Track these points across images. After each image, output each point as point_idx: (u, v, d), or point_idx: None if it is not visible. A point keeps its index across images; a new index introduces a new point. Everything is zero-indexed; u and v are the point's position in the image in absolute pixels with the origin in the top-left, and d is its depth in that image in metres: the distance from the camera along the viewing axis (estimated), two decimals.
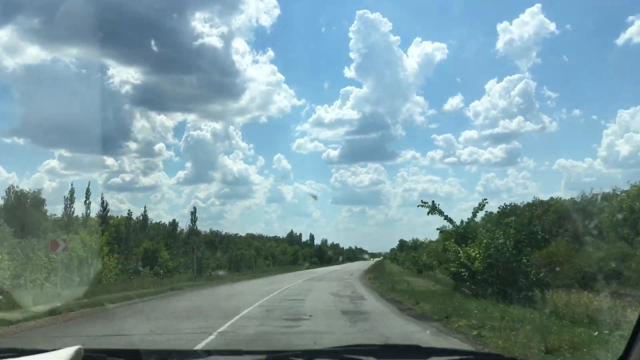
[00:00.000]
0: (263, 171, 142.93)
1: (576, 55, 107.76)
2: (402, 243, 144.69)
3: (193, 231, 55.49)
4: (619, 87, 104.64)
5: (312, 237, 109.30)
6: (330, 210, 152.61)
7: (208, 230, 73.70)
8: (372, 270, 47.79)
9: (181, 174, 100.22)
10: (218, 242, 67.46)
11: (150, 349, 2.35)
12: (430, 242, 56.75)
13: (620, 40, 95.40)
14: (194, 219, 58.74)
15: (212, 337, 10.21)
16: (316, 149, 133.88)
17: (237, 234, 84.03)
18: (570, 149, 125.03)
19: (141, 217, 46.19)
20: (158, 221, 55.66)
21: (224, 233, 77.16)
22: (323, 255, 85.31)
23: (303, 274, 40.59)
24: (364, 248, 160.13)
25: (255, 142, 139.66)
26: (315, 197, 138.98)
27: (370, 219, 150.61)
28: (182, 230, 55.40)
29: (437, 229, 27.48)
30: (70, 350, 1.71)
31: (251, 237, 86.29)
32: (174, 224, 52.99)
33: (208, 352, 2.38)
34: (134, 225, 45.21)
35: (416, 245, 77.87)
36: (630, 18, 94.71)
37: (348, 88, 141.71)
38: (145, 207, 50.62)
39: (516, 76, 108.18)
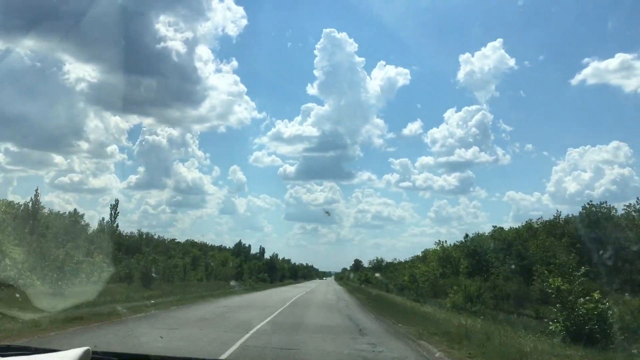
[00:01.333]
0: (218, 182, 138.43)
1: (532, 92, 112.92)
2: (357, 263, 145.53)
3: (110, 228, 43.03)
4: (570, 125, 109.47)
5: (262, 249, 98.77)
6: (283, 226, 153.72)
7: (135, 232, 60.85)
8: (373, 304, 30.40)
9: (133, 178, 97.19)
10: (145, 245, 55.09)
11: (161, 355, 2.32)
12: (414, 262, 47.42)
13: (575, 81, 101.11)
14: (114, 215, 46.33)
15: None
16: (273, 163, 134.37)
17: (174, 239, 71.51)
18: (520, 182, 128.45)
19: (30, 203, 32.89)
20: (61, 212, 42.03)
21: (156, 236, 64.32)
22: (274, 270, 72.81)
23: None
24: (315, 266, 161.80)
25: (211, 151, 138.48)
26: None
27: (322, 237, 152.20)
28: (88, 225, 42.90)
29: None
30: (78, 351, 1.70)
31: (191, 244, 74.22)
32: (75, 215, 39.72)
33: None
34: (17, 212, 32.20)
35: (394, 265, 69.58)
36: (585, 60, 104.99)
37: (309, 105, 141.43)
38: (37, 190, 39.15)
39: (474, 107, 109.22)
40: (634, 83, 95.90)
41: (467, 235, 44.33)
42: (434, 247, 48.22)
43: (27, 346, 2.26)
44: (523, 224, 43.21)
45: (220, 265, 61.21)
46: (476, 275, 39.92)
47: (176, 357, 2.47)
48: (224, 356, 9.46)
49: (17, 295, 16.62)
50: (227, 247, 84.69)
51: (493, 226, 44.52)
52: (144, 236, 60.17)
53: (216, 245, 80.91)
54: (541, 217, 41.57)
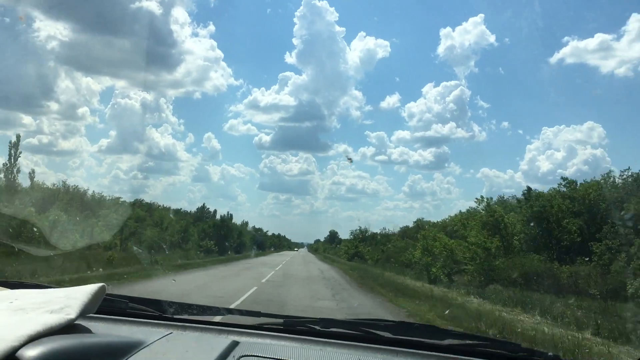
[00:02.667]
0: (191, 149, 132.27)
1: (511, 69, 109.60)
2: (332, 234, 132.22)
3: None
4: (546, 105, 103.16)
5: (230, 216, 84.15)
6: (256, 196, 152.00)
7: (50, 184, 43.74)
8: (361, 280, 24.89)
9: (104, 142, 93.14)
10: (66, 198, 38.45)
11: (171, 300, 2.24)
12: (427, 231, 32.17)
13: (554, 59, 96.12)
14: (13, 154, 31.85)
15: None
16: (248, 132, 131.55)
17: (101, 194, 53.46)
18: (495, 159, 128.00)
19: None
20: None
21: (74, 189, 46.87)
22: (228, 237, 53.76)
23: None
24: (287, 237, 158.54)
25: (186, 117, 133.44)
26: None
27: (296, 208, 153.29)
28: None
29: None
30: (94, 287, 1.69)
31: (137, 204, 57.28)
32: None
33: (228, 310, 2.31)
34: None
35: (385, 237, 54.47)
36: (565, 38, 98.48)
37: (287, 74, 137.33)
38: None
39: (453, 82, 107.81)
40: (611, 64, 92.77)
41: (529, 190, 28.97)
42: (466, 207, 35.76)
43: (40, 283, 2.21)
44: (588, 181, 28.16)
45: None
46: (543, 251, 25.15)
47: (187, 304, 2.12)
48: None
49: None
50: (189, 212, 70.73)
51: (562, 178, 29.24)
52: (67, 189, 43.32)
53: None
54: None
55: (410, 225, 57.39)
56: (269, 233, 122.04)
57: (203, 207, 74.50)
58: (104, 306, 1.85)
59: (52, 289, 1.84)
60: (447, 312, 12.69)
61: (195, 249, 39.50)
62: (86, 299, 1.63)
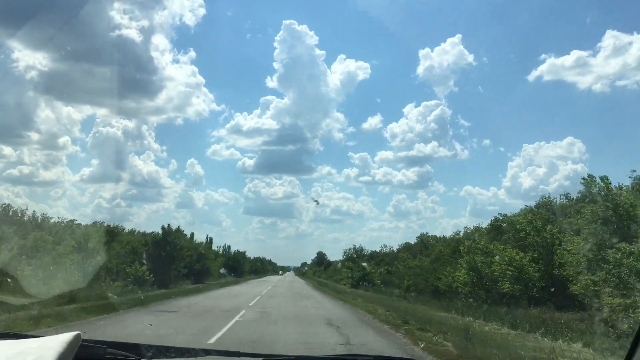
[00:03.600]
0: (175, 175, 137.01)
1: (490, 88, 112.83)
2: (320, 256, 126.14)
3: None
4: (526, 121, 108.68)
5: (209, 239, 74.04)
6: (241, 220, 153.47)
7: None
8: None
9: (86, 170, 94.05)
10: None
11: (149, 343, 2.28)
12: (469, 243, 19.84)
13: (531, 77, 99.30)
14: None
15: None
16: (232, 156, 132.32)
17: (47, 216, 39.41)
18: (477, 177, 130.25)
19: None
20: None
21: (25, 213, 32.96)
22: (174, 259, 36.47)
23: None
24: (273, 260, 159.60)
25: (168, 144, 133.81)
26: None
27: (281, 231, 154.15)
28: None
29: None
30: (69, 336, 1.66)
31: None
32: None
33: (206, 351, 2.35)
34: None
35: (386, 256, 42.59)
36: (542, 56, 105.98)
37: (269, 97, 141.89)
38: None
39: (433, 102, 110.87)
40: (588, 80, 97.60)
41: None
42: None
43: (15, 332, 2.30)
44: None
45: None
46: None
47: (165, 346, 2.23)
48: None
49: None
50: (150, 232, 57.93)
51: None
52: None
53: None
54: None
55: (412, 241, 50.28)
56: (253, 256, 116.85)
57: (168, 227, 61.33)
58: (82, 352, 1.75)
59: (26, 340, 1.83)
60: None
61: (120, 277, 26.36)
62: (61, 348, 1.60)
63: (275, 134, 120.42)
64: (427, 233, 51.07)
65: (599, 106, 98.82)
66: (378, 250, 58.44)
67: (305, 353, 9.51)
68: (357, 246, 62.01)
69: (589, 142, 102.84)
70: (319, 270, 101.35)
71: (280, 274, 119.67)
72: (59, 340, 1.60)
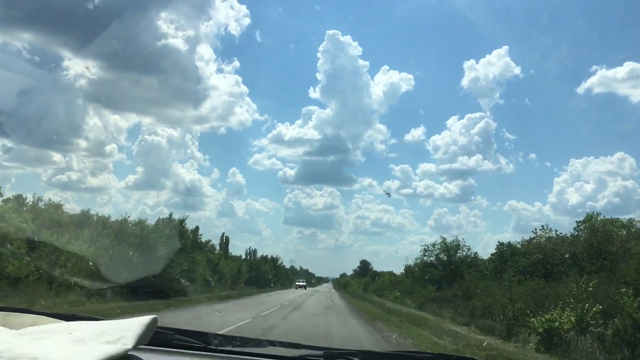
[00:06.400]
0: (217, 184, 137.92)
1: (537, 100, 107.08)
2: (364, 265, 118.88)
3: None
4: (574, 135, 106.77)
5: (226, 239, 66.54)
6: (281, 231, 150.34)
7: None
8: None
9: (131, 178, 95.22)
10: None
11: (216, 332, 2.43)
12: None
13: (581, 89, 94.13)
14: None
15: None
16: (273, 166, 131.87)
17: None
18: (522, 191, 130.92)
19: None
20: None
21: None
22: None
23: None
24: (311, 270, 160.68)
25: (211, 153, 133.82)
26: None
27: (320, 242, 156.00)
28: None
29: None
30: (147, 319, 1.77)
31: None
32: None
33: (270, 342, 2.42)
34: None
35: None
36: (593, 67, 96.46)
37: (311, 108, 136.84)
38: None
39: (478, 114, 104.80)
40: None
41: None
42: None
43: (93, 316, 2.35)
44: None
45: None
46: None
47: (231, 336, 2.41)
48: None
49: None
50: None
51: None
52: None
53: None
54: None
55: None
56: (286, 265, 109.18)
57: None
58: (152, 338, 1.86)
59: (105, 321, 1.94)
60: None
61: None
62: (140, 330, 1.70)
63: (316, 144, 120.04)
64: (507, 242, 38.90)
65: None
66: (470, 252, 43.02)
67: None
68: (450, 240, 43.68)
69: None
70: (363, 282, 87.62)
71: (300, 285, 79.02)
72: (138, 323, 1.71)
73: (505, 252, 35.45)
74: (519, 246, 35.48)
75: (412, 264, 49.86)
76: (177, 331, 2.18)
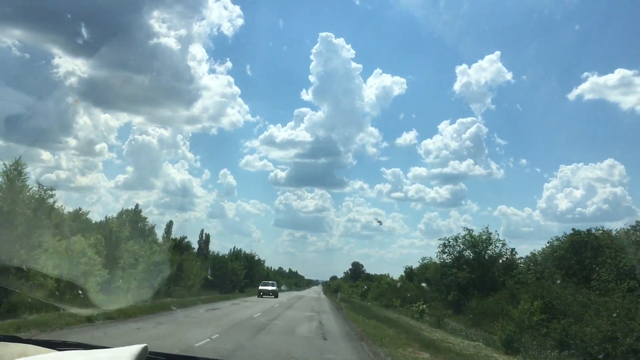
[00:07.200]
0: (207, 185, 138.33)
1: (528, 106, 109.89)
2: (355, 267, 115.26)
3: None
4: (564, 141, 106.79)
5: (206, 237, 62.54)
6: (271, 233, 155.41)
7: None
8: None
9: (121, 177, 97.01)
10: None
11: (209, 357, 2.42)
12: None
13: (572, 96, 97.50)
14: None
15: None
16: (264, 168, 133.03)
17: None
18: (512, 197, 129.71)
19: None
20: None
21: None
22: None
23: None
24: (300, 273, 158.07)
25: (202, 153, 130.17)
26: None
27: (311, 245, 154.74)
28: None
29: None
30: (137, 348, 1.73)
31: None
32: None
33: None
34: None
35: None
36: (584, 74, 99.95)
37: (303, 109, 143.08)
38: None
39: (469, 119, 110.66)
40: (632, 100, 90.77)
41: None
42: None
43: (82, 343, 2.36)
44: None
45: None
46: None
47: None
48: None
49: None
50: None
51: None
52: None
53: None
54: None
55: None
56: (280, 268, 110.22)
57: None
58: None
59: (95, 350, 1.94)
60: None
61: None
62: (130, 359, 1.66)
63: (308, 146, 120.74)
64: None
65: None
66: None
67: None
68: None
69: (630, 165, 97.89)
70: (359, 286, 77.89)
71: (268, 291, 48.94)
72: (128, 352, 1.66)
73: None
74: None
75: (434, 258, 40.87)
76: (167, 357, 2.18)
